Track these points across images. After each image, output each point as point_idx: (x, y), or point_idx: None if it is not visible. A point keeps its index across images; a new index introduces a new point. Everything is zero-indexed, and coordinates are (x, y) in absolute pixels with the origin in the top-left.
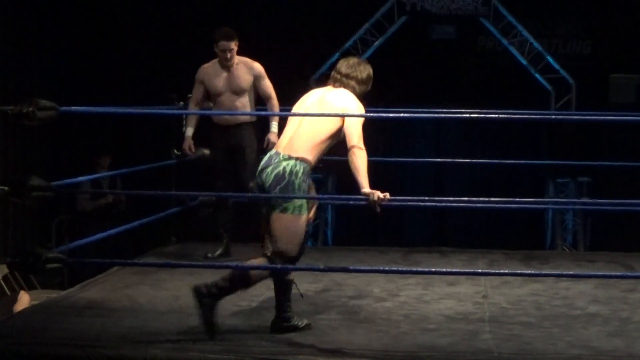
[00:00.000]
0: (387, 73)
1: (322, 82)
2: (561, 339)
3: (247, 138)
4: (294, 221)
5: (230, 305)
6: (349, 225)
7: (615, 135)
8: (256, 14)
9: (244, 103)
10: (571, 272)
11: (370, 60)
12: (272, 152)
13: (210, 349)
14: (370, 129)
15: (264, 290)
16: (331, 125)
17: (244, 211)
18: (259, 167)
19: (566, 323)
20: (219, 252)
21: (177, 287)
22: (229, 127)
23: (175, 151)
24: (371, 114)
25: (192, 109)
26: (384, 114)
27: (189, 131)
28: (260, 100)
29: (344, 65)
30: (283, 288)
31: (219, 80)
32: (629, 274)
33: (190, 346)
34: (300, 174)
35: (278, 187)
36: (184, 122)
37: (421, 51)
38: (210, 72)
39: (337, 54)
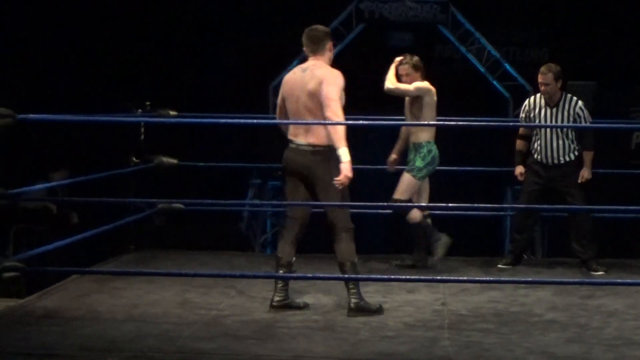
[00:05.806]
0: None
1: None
2: (519, 345)
3: None
4: None
5: (190, 314)
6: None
7: None
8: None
9: None
10: (529, 279)
11: None
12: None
13: (170, 358)
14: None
15: (223, 299)
16: None
17: None
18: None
19: (524, 329)
20: None
21: (135, 295)
22: None
23: (134, 159)
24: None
25: None
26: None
27: None
28: None
29: None
30: None
31: None
32: (587, 280)
33: (148, 355)
34: None
35: None
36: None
37: (378, 58)
38: None
39: (296, 61)
